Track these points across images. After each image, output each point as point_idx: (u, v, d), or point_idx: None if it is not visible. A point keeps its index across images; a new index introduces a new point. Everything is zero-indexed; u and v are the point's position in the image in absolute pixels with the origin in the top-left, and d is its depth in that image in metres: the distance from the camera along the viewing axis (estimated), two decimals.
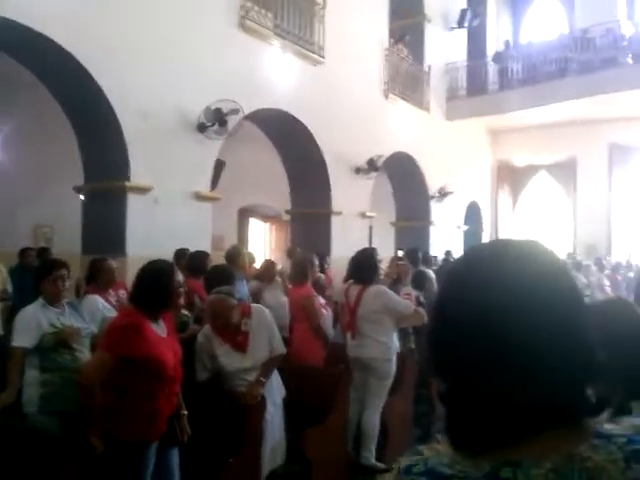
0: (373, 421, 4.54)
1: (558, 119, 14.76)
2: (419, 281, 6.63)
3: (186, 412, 3.19)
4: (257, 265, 7.69)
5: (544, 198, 17.38)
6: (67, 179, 7.79)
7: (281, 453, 3.79)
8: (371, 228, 12.32)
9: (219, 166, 9.10)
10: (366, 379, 4.59)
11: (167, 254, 5.30)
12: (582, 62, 13.13)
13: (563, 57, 13.55)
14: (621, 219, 15.72)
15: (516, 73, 14.64)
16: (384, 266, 6.55)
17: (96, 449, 2.79)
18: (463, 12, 14.67)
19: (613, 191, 15.64)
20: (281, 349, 3.76)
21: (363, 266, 4.76)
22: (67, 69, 6.44)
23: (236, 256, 5.75)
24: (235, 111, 7.52)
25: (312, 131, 9.75)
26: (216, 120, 7.49)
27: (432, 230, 13.83)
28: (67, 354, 3.41)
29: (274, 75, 8.97)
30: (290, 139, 10.03)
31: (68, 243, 7.68)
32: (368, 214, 11.41)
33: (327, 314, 5.40)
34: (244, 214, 14.14)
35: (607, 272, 10.89)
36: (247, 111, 7.99)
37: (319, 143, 9.95)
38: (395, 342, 4.68)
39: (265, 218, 14.98)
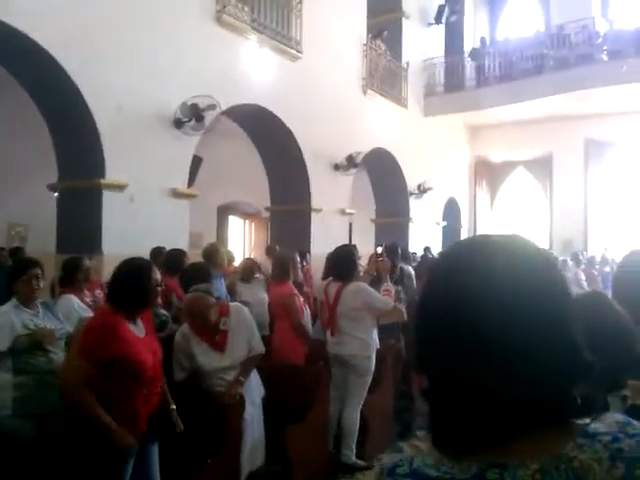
0: (353, 419, 4.53)
1: (535, 115, 14.92)
2: (398, 277, 6.63)
3: (174, 406, 3.14)
4: (236, 263, 7.63)
5: (522, 194, 17.57)
6: (41, 177, 7.64)
7: (261, 454, 3.76)
8: (351, 225, 12.32)
9: (196, 162, 9.01)
10: (346, 376, 4.57)
11: (144, 252, 5.23)
12: (558, 59, 13.29)
13: (539, 54, 13.69)
14: (597, 214, 15.94)
15: (493, 70, 14.75)
16: (364, 263, 6.55)
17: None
18: (441, 8, 14.75)
19: (589, 186, 15.86)
20: (260, 348, 3.73)
21: (342, 263, 4.73)
22: (41, 65, 6.32)
23: (214, 254, 5.66)
24: (212, 107, 7.45)
25: (290, 127, 9.70)
26: (193, 116, 7.42)
27: (411, 226, 13.89)
28: (41, 356, 3.34)
29: (251, 70, 8.91)
30: (268, 135, 9.96)
31: (42, 242, 7.56)
32: (348, 211, 11.41)
33: (306, 312, 5.37)
34: (223, 211, 14.04)
35: (583, 267, 11.01)
36: (224, 106, 7.91)
37: (297, 139, 9.90)
38: (375, 339, 4.67)
39: (244, 215, 14.88)
